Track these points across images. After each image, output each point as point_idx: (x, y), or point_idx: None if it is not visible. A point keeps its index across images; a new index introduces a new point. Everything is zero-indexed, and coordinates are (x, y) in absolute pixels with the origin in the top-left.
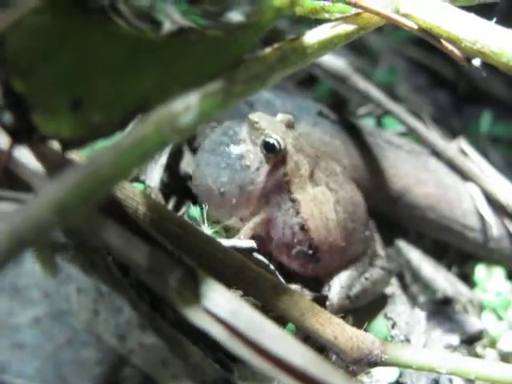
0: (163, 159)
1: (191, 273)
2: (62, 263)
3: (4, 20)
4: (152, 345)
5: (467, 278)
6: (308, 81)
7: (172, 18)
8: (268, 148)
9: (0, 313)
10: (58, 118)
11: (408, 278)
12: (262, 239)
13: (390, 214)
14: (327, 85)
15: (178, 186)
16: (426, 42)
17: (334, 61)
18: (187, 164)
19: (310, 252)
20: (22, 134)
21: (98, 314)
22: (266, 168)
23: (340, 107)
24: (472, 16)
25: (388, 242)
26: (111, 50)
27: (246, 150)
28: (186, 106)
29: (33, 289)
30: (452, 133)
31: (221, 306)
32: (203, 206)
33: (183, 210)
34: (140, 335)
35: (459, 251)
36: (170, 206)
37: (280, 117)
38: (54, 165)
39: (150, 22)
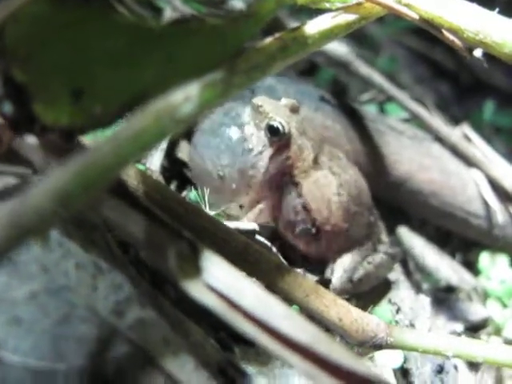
0: (163, 144)
1: (191, 246)
2: (61, 238)
3: (4, 9)
4: (152, 322)
5: (471, 266)
6: (310, 68)
7: (173, 5)
8: (272, 131)
9: None
10: (58, 107)
11: (411, 265)
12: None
13: (393, 201)
14: (329, 72)
15: (178, 171)
16: (426, 32)
17: (336, 47)
18: (181, 150)
19: (313, 230)
20: (22, 123)
21: (97, 289)
22: (269, 152)
23: (342, 94)
24: (474, 6)
25: (390, 228)
26: (111, 39)
27: (249, 133)
28: (186, 96)
29: (31, 263)
30: (454, 123)
31: (223, 281)
32: (204, 189)
33: (183, 194)
34: (140, 312)
35: (463, 238)
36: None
37: (284, 101)
38: (59, 148)
39: (151, 8)
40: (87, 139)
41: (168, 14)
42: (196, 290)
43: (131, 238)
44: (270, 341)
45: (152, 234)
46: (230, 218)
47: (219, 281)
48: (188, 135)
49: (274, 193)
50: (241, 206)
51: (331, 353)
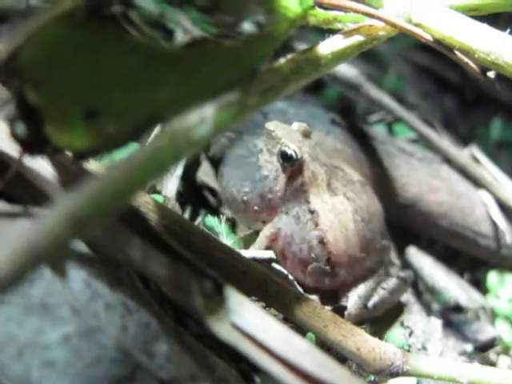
0: (179, 169)
1: (216, 285)
2: (89, 278)
3: (22, 32)
4: (179, 360)
5: (479, 285)
6: (316, 87)
7: (183, 27)
8: (285, 157)
9: (30, 331)
10: (72, 128)
11: (421, 286)
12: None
13: (402, 222)
14: (335, 91)
15: (193, 195)
16: (430, 47)
17: (344, 69)
18: (204, 173)
19: (327, 268)
20: (34, 145)
21: (127, 330)
22: (283, 177)
23: (349, 112)
24: (485, 26)
25: (399, 248)
26: (126, 61)
27: (263, 161)
28: (201, 118)
29: (62, 306)
30: (460, 137)
31: (250, 322)
32: (221, 217)
33: (199, 219)
34: (167, 350)
35: (470, 258)
36: (186, 215)
37: (296, 126)
38: (71, 173)
39: (162, 30)
40: (101, 161)
41: (179, 37)
42: (223, 330)
43: (154, 276)
44: (293, 377)
45: (175, 271)
46: (246, 243)
47: (247, 322)
48: (207, 155)
49: (289, 220)
50: (264, 222)
51: None
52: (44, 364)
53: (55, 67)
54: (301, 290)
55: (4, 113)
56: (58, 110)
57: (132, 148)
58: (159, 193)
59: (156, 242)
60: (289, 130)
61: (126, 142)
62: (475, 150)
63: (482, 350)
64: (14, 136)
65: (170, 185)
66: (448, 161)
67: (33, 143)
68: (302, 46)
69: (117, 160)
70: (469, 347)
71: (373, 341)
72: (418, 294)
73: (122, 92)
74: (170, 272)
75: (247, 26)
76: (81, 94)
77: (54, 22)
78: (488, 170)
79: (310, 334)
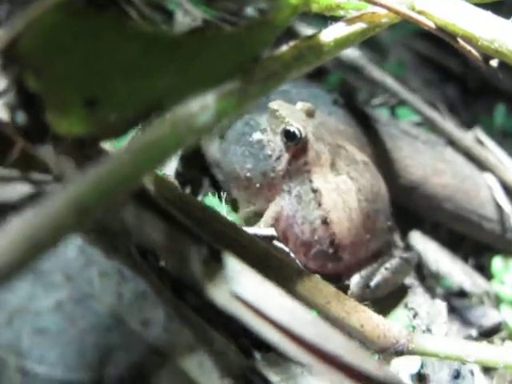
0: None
1: (214, 252)
2: (84, 245)
3: (21, 20)
4: (177, 331)
5: (484, 270)
6: (318, 70)
7: (184, 8)
8: (288, 136)
9: (22, 297)
10: (72, 116)
11: (425, 270)
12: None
13: (406, 205)
14: (338, 75)
15: (192, 175)
16: (432, 35)
17: (348, 51)
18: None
19: (331, 251)
20: (34, 132)
21: (122, 297)
22: (286, 156)
23: (351, 96)
24: (489, 14)
25: (402, 232)
26: (126, 48)
27: (266, 140)
28: (203, 105)
29: (55, 272)
30: (464, 126)
31: (250, 290)
32: (222, 194)
33: (199, 199)
34: (164, 320)
35: (475, 242)
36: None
37: (300, 105)
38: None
39: (162, 11)
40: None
41: (179, 18)
42: (222, 298)
43: (152, 243)
44: (296, 348)
45: (173, 239)
46: (248, 222)
47: (246, 290)
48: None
49: (291, 199)
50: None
51: (359, 362)
52: (35, 331)
53: (55, 54)
54: (302, 267)
55: (4, 100)
56: (57, 97)
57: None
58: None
59: (154, 210)
60: (293, 110)
61: (127, 129)
62: (479, 133)
63: (487, 336)
64: (15, 124)
65: (170, 163)
66: (452, 143)
67: (33, 131)
68: (304, 32)
69: (119, 147)
70: (473, 332)
71: (377, 318)
72: (422, 279)
73: (122, 80)
74: (167, 237)
75: (249, 12)
76: (81, 82)
77: (54, 8)
78: (493, 152)
79: (311, 311)
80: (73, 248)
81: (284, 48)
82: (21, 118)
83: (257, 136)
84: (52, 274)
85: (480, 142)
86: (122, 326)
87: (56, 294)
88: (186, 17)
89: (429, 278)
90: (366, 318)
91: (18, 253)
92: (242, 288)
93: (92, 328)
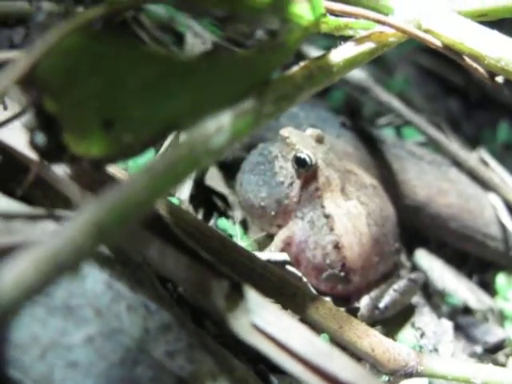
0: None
1: (235, 286)
2: (111, 280)
3: (42, 45)
4: (200, 360)
5: (488, 287)
6: (323, 89)
7: (193, 30)
8: (299, 163)
9: (54, 332)
10: (89, 137)
11: (431, 288)
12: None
13: (411, 224)
14: (342, 93)
15: (205, 198)
16: (434, 50)
17: (355, 71)
18: (211, 177)
19: (342, 274)
20: (52, 153)
21: (148, 331)
22: (298, 183)
23: (356, 117)
24: (495, 33)
25: (409, 251)
26: (142, 70)
27: (278, 167)
28: (219, 126)
29: (85, 307)
30: (465, 139)
31: (270, 322)
32: (235, 219)
33: (212, 221)
34: (188, 351)
35: (479, 260)
36: (199, 217)
37: (310, 131)
38: (92, 179)
39: (172, 34)
40: (119, 168)
41: (189, 39)
42: (244, 330)
43: (172, 276)
44: (316, 379)
45: (194, 272)
46: (260, 245)
47: (267, 323)
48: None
49: (304, 225)
50: (279, 227)
51: None
52: (67, 365)
53: (73, 77)
54: (315, 292)
55: (23, 121)
56: (75, 119)
57: (148, 155)
58: (173, 195)
59: (173, 243)
60: (303, 136)
61: (143, 150)
62: (484, 153)
63: (492, 352)
64: (33, 145)
65: (184, 188)
66: (457, 164)
67: (51, 152)
68: (312, 52)
69: (137, 169)
70: (478, 349)
71: (387, 342)
72: (428, 297)
73: (138, 102)
74: (189, 272)
75: (260, 35)
76: (98, 104)
77: (73, 32)
78: (496, 172)
79: (324, 335)
80: (101, 283)
81: (295, 69)
82: (40, 139)
83: (269, 164)
84: (82, 309)
85: (484, 163)
86: (148, 358)
87: (86, 328)
88: (196, 38)
89: (434, 296)
90: (376, 342)
91: (41, 274)
92: (263, 320)
93: (121, 361)
